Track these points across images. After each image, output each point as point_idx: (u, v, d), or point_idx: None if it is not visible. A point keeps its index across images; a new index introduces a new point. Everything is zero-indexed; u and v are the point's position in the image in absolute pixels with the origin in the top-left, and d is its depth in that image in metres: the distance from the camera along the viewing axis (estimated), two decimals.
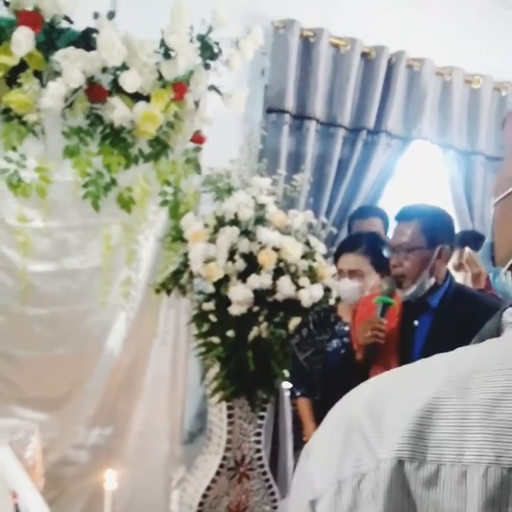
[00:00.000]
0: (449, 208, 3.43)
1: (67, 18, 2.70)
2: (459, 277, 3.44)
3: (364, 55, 3.72)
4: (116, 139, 2.84)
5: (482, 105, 4.09)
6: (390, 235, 2.42)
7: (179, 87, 2.88)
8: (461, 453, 0.49)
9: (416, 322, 2.29)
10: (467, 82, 4.06)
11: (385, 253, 2.66)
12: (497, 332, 0.56)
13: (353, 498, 0.51)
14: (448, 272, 2.36)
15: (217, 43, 2.94)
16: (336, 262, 2.97)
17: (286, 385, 3.18)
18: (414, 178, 4.15)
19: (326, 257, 3.14)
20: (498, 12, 4.16)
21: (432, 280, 2.26)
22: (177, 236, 3.02)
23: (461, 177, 4.13)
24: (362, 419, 0.53)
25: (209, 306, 2.93)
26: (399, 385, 0.55)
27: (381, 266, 2.70)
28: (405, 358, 2.23)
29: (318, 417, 2.94)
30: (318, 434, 0.58)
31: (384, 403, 0.53)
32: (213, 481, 2.91)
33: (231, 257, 2.91)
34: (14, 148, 2.68)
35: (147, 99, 2.81)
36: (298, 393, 3.03)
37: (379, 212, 3.47)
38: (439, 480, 0.49)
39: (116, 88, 2.78)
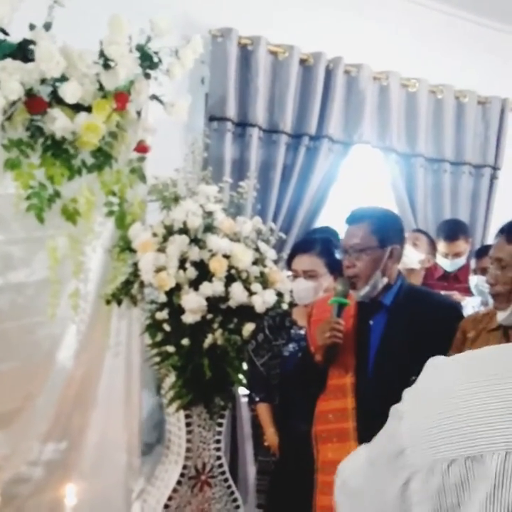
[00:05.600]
0: (393, 210, 3.50)
1: (2, 30, 2.67)
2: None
3: (302, 62, 3.77)
4: (58, 150, 2.79)
5: (419, 108, 4.19)
6: (341, 237, 2.44)
7: (120, 97, 2.85)
8: None
9: (371, 322, 2.31)
10: (404, 86, 4.16)
11: (338, 256, 2.68)
12: None
13: (459, 478, 0.54)
14: (399, 272, 2.39)
15: (156, 53, 2.94)
16: (289, 263, 2.98)
17: (244, 391, 3.16)
18: (357, 181, 4.22)
19: (276, 262, 3.15)
20: (431, 17, 4.29)
21: (385, 280, 2.29)
22: (125, 246, 2.99)
23: (403, 179, 4.22)
24: (458, 409, 0.56)
25: (162, 315, 2.90)
26: (489, 382, 0.57)
27: (335, 268, 2.72)
28: (362, 357, 2.26)
29: (278, 421, 2.94)
30: (413, 399, 0.60)
31: (477, 398, 0.56)
32: (175, 490, 2.85)
33: (182, 266, 2.89)
34: None
35: (88, 109, 2.78)
36: (257, 398, 3.02)
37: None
38: None
39: (57, 99, 2.74)
